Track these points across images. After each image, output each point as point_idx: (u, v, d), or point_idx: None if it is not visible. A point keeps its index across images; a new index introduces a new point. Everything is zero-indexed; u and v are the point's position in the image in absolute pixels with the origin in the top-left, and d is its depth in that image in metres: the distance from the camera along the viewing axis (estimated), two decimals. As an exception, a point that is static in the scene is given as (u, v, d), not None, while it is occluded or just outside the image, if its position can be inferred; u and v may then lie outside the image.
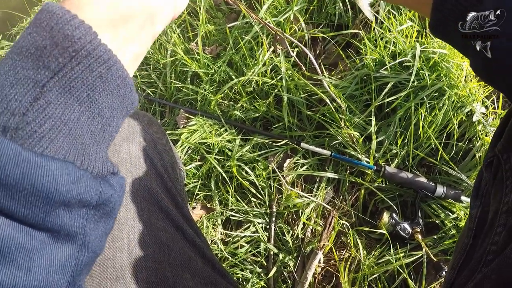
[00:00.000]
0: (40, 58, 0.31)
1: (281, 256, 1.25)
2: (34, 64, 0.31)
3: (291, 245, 1.27)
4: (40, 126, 0.31)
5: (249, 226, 1.32)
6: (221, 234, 1.35)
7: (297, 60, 1.34)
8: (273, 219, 1.30)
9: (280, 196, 1.32)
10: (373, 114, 1.26)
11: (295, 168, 1.34)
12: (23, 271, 0.31)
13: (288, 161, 1.35)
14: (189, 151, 1.43)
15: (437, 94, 1.22)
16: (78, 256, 0.36)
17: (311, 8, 1.43)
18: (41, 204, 0.31)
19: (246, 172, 1.34)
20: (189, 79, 1.52)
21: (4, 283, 0.30)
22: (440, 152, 1.22)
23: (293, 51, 1.36)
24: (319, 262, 1.23)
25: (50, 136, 0.31)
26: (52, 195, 0.31)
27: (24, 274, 0.31)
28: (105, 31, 0.35)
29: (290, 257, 1.25)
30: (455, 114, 1.22)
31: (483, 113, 1.23)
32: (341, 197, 1.30)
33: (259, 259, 1.28)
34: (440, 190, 1.18)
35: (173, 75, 1.56)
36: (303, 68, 1.37)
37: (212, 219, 1.35)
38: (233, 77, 1.44)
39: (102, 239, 0.39)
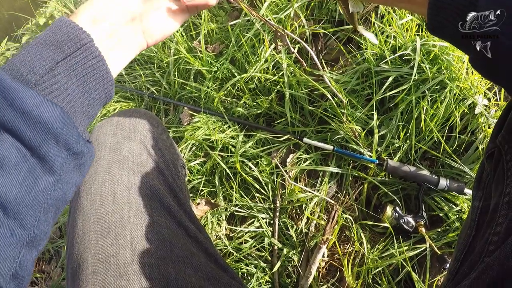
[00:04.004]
0: (58, 46, 0.47)
1: (285, 250, 1.26)
2: (54, 48, 0.47)
3: (295, 240, 1.28)
4: (50, 85, 0.46)
5: (253, 221, 1.33)
6: (226, 229, 1.36)
7: (298, 56, 1.35)
8: (277, 214, 1.31)
9: (284, 191, 1.33)
10: (374, 108, 1.26)
11: (298, 163, 1.34)
12: (14, 184, 0.42)
13: (291, 156, 1.36)
14: (193, 148, 1.44)
15: (438, 87, 1.22)
16: (53, 189, 0.46)
17: (312, 4, 1.44)
18: (42, 131, 0.43)
19: (250, 168, 1.35)
20: (192, 77, 1.53)
21: None
22: (442, 145, 1.22)
23: (294, 48, 1.36)
24: (323, 256, 1.24)
25: (55, 93, 0.46)
26: (51, 126, 0.44)
27: (14, 186, 0.42)
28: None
29: (294, 251, 1.26)
30: (457, 107, 1.22)
31: (485, 105, 1.23)
32: (344, 192, 1.31)
33: (263, 253, 1.29)
34: (443, 183, 1.18)
35: (176, 73, 1.58)
36: (304, 64, 1.38)
37: (217, 215, 1.36)
38: (236, 74, 1.45)
39: (71, 188, 0.49)
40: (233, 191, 1.35)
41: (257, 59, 1.41)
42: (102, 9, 0.53)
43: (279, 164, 1.33)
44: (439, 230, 1.21)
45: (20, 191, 0.42)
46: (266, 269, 1.27)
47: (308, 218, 1.29)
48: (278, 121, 1.41)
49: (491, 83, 1.25)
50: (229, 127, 1.43)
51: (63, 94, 0.47)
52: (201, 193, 1.40)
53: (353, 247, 1.24)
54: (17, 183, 0.42)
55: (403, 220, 1.18)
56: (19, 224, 0.42)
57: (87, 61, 0.49)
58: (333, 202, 1.28)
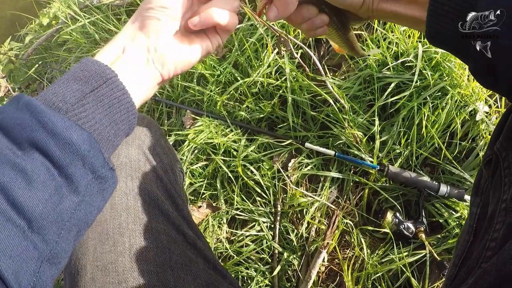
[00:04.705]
0: (86, 80, 0.51)
1: (285, 255, 1.27)
2: (83, 83, 0.51)
3: (296, 244, 1.28)
4: (79, 113, 0.49)
5: (254, 225, 1.34)
6: (227, 232, 1.37)
7: (301, 61, 1.35)
8: (278, 218, 1.32)
9: (285, 195, 1.34)
10: (376, 114, 1.26)
11: (300, 167, 1.35)
12: (40, 200, 0.44)
13: (292, 161, 1.37)
14: (196, 151, 1.45)
15: (440, 93, 1.22)
16: (77, 208, 0.48)
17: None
18: (70, 152, 0.46)
19: (251, 172, 1.36)
20: (195, 80, 1.54)
21: (24, 202, 0.43)
22: (443, 151, 1.22)
23: (297, 53, 1.37)
24: (323, 261, 1.24)
25: (84, 120, 0.49)
26: (79, 147, 0.47)
27: (40, 202, 0.44)
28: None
29: (294, 256, 1.27)
30: (458, 114, 1.22)
31: (486, 112, 1.23)
32: (345, 197, 1.31)
33: (263, 256, 1.29)
34: (444, 189, 1.18)
35: (179, 76, 1.58)
36: (307, 69, 1.38)
37: (218, 218, 1.37)
38: (239, 78, 1.45)
39: (93, 211, 0.52)
40: (234, 194, 1.36)
41: (260, 63, 1.41)
42: (120, 47, 0.58)
43: (280, 169, 1.34)
44: (439, 236, 1.21)
45: (46, 207, 0.44)
46: (266, 272, 1.28)
47: (308, 223, 1.29)
48: (280, 125, 1.42)
49: (493, 90, 1.25)
50: (232, 131, 1.44)
51: (91, 122, 0.50)
52: (203, 196, 1.40)
53: (353, 252, 1.25)
54: (44, 199, 0.44)
55: (403, 226, 1.18)
56: (42, 238, 0.44)
57: (112, 93, 0.52)
58: (333, 207, 1.29)
